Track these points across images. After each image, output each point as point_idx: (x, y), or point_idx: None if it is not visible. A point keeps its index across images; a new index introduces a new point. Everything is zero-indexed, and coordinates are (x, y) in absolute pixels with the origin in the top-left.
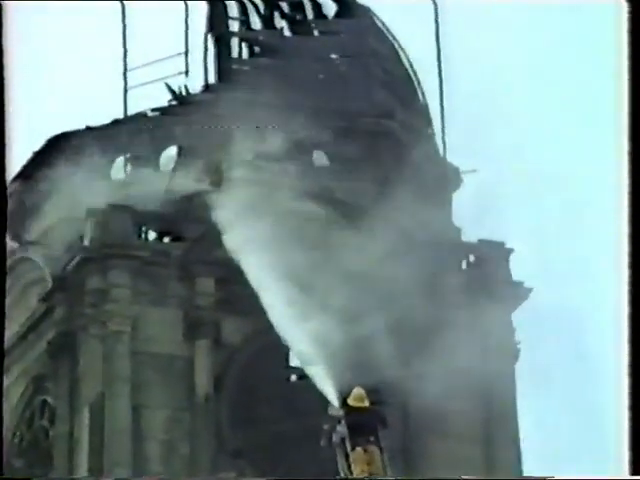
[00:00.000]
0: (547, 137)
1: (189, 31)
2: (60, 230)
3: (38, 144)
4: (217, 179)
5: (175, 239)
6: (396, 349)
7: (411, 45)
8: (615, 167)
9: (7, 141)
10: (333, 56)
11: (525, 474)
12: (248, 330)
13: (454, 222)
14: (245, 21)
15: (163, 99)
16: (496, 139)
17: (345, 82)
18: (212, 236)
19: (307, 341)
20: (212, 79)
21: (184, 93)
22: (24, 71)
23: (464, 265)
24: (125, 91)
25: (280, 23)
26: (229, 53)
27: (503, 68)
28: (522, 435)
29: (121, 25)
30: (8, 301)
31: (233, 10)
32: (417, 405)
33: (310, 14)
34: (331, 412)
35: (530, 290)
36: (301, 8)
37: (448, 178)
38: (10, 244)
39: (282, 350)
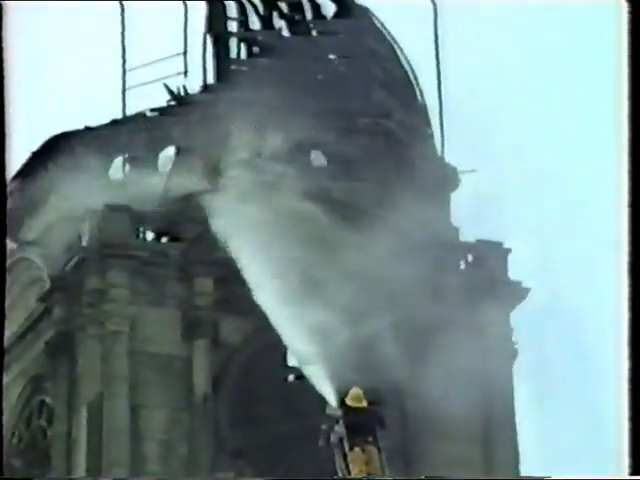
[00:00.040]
0: (547, 137)
1: (188, 31)
2: (59, 230)
3: (37, 144)
4: (215, 179)
5: (173, 239)
6: (395, 349)
7: (410, 45)
8: (615, 167)
9: (7, 141)
10: (332, 56)
11: (524, 474)
12: (247, 330)
13: (452, 222)
14: (244, 21)
15: (162, 99)
16: (495, 139)
17: (344, 82)
18: (210, 236)
19: (305, 341)
20: (211, 79)
21: (183, 93)
22: (24, 71)
23: (462, 265)
24: (124, 91)
25: (279, 23)
26: (228, 53)
27: (502, 68)
28: (521, 435)
29: (120, 25)
30: (7, 301)
31: (232, 10)
32: (415, 405)
33: (309, 14)
34: (329, 412)
35: (528, 290)
36: (300, 8)
37: (446, 178)
38: (9, 244)
39: (281, 350)
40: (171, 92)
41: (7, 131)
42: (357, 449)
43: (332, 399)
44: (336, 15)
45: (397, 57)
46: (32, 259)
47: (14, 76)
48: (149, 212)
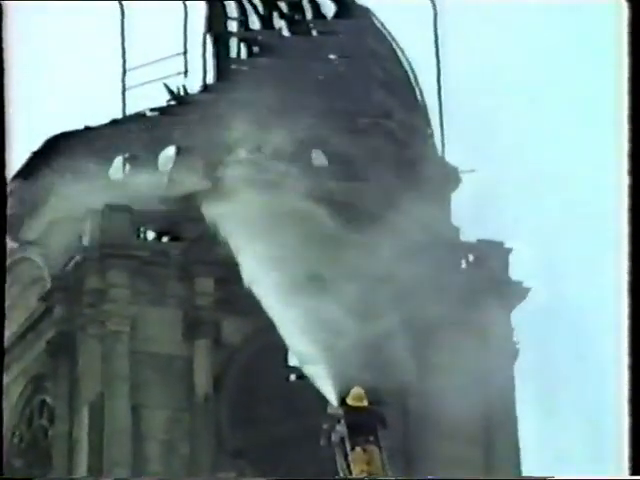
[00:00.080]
0: (547, 137)
1: (188, 31)
2: (59, 230)
3: (37, 144)
4: (215, 179)
5: (174, 239)
6: (395, 349)
7: (410, 45)
8: (615, 167)
9: (7, 141)
10: (332, 56)
11: (525, 474)
12: (248, 330)
13: (453, 222)
14: (244, 21)
15: (162, 99)
16: (495, 139)
17: (344, 82)
18: (211, 236)
19: (306, 340)
20: (211, 79)
21: (183, 93)
22: (24, 71)
23: (463, 265)
24: (124, 91)
25: (279, 23)
26: (228, 53)
27: (503, 68)
28: (522, 435)
29: (120, 25)
30: (7, 301)
31: (232, 10)
32: (416, 405)
33: (309, 14)
34: (330, 411)
35: (529, 290)
36: (300, 8)
37: (447, 178)
38: (9, 244)
39: (282, 350)
40: (171, 92)
41: (7, 131)
42: (358, 449)
43: (333, 399)
44: (336, 15)
45: (397, 57)
46: (33, 259)
47: (14, 76)
48: (150, 212)
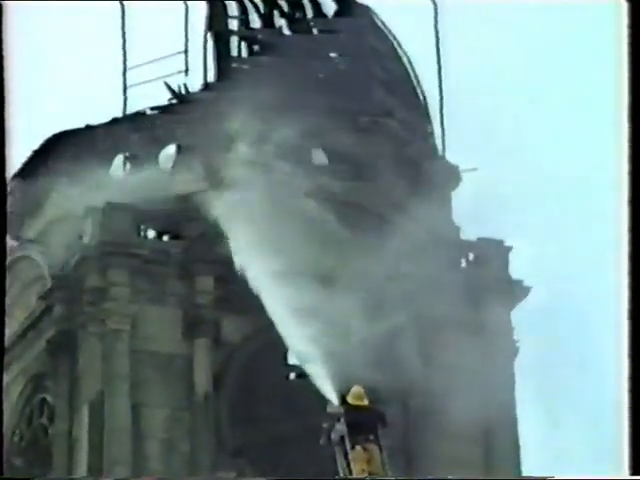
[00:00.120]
0: (547, 136)
1: (189, 30)
2: (59, 228)
3: (38, 143)
4: (216, 178)
5: (174, 237)
6: (395, 348)
7: (410, 44)
8: (615, 167)
9: (7, 140)
10: (332, 55)
11: (525, 474)
12: (248, 329)
13: (454, 220)
14: (244, 20)
15: (163, 98)
16: (496, 138)
17: (344, 81)
18: (211, 234)
19: (306, 340)
20: (212, 78)
21: (184, 92)
22: (24, 70)
23: (464, 263)
24: (125, 90)
25: (279, 22)
26: (228, 52)
27: (503, 67)
28: (522, 435)
29: (121, 24)
30: (7, 299)
31: (232, 9)
32: (416, 404)
33: (309, 13)
34: (330, 410)
35: (529, 288)
36: (300, 7)
37: (447, 176)
38: (9, 242)
39: (282, 349)
40: (172, 90)
41: (7, 131)
42: (359, 447)
43: (333, 397)
44: (337, 13)
45: (398, 56)
46: (33, 257)
47: (14, 75)
48: (150, 210)
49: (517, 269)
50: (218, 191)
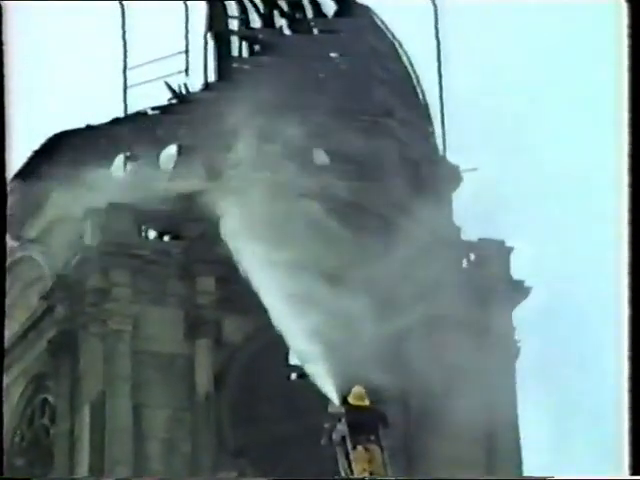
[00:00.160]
0: (547, 137)
1: (189, 30)
2: (60, 229)
3: (38, 143)
4: (217, 178)
5: (175, 238)
6: (396, 348)
7: (411, 44)
8: (615, 167)
9: (7, 140)
10: (333, 55)
11: (525, 474)
12: (249, 329)
13: (454, 221)
14: (245, 20)
15: (163, 98)
16: (496, 138)
17: (345, 80)
18: (212, 235)
19: (307, 340)
20: (212, 78)
21: (184, 92)
22: (24, 70)
23: (465, 264)
24: (125, 90)
25: (279, 22)
26: (229, 52)
27: (503, 68)
28: (522, 435)
29: (121, 24)
30: (8, 300)
31: (233, 9)
32: (417, 404)
33: (309, 13)
34: (331, 410)
35: (530, 289)
36: (300, 7)
37: (448, 177)
38: (10, 243)
39: (283, 349)
40: (172, 90)
41: (7, 131)
42: (360, 448)
43: (334, 397)
44: (337, 13)
45: (398, 55)
46: (34, 257)
47: (14, 76)
48: (151, 211)
49: (517, 269)
50: (219, 191)
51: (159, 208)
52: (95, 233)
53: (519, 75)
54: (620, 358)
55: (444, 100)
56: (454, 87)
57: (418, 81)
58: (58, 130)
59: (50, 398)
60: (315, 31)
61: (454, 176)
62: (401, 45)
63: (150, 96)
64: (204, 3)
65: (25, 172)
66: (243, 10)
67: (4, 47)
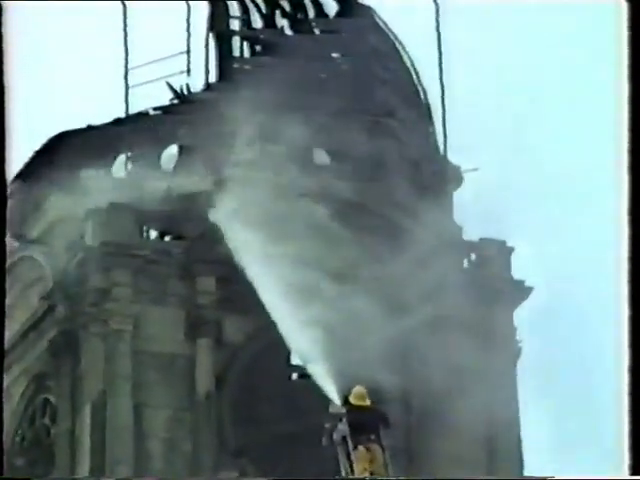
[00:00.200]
0: (547, 137)
1: (190, 30)
2: (61, 229)
3: (39, 143)
4: (218, 178)
5: (176, 238)
6: (396, 348)
7: (412, 45)
8: (615, 166)
9: (7, 141)
10: (334, 55)
11: (525, 474)
12: (249, 329)
13: (455, 221)
14: (246, 20)
15: (165, 98)
16: (497, 138)
17: (346, 81)
18: (213, 235)
19: (307, 339)
20: (213, 78)
21: (186, 92)
22: (24, 71)
23: (466, 264)
24: (127, 90)
25: (281, 22)
26: (230, 52)
27: (503, 67)
28: (523, 435)
29: (122, 24)
30: (9, 300)
31: (234, 9)
32: (419, 404)
33: (311, 13)
34: (332, 410)
35: (531, 289)
36: (302, 7)
37: (449, 176)
38: (11, 243)
39: (284, 349)
40: (174, 91)
41: (7, 131)
42: (361, 447)
43: (335, 397)
44: (338, 14)
45: (400, 56)
46: (35, 257)
47: (14, 76)
48: (152, 211)
49: (517, 269)
50: (220, 191)
51: (160, 208)
52: (96, 233)
53: (519, 75)
54: (620, 358)
55: (445, 100)
56: (455, 87)
57: (419, 81)
58: (59, 130)
59: (51, 398)
60: (316, 31)
61: (455, 176)
62: (402, 45)
63: (151, 96)
64: (206, 3)
65: (26, 172)
66: (245, 10)
67: (4, 47)
